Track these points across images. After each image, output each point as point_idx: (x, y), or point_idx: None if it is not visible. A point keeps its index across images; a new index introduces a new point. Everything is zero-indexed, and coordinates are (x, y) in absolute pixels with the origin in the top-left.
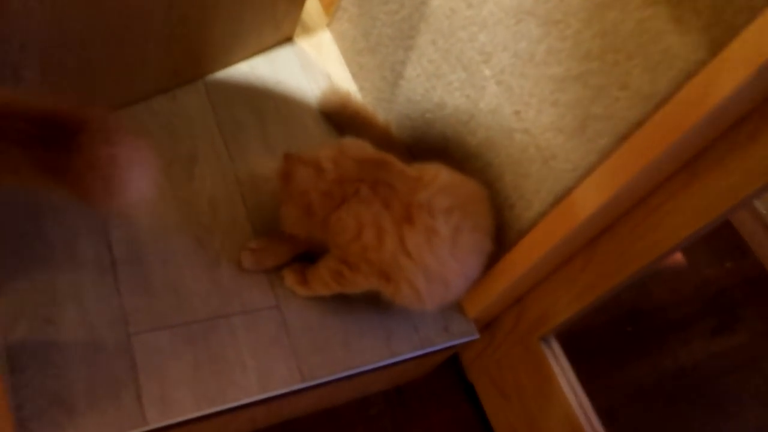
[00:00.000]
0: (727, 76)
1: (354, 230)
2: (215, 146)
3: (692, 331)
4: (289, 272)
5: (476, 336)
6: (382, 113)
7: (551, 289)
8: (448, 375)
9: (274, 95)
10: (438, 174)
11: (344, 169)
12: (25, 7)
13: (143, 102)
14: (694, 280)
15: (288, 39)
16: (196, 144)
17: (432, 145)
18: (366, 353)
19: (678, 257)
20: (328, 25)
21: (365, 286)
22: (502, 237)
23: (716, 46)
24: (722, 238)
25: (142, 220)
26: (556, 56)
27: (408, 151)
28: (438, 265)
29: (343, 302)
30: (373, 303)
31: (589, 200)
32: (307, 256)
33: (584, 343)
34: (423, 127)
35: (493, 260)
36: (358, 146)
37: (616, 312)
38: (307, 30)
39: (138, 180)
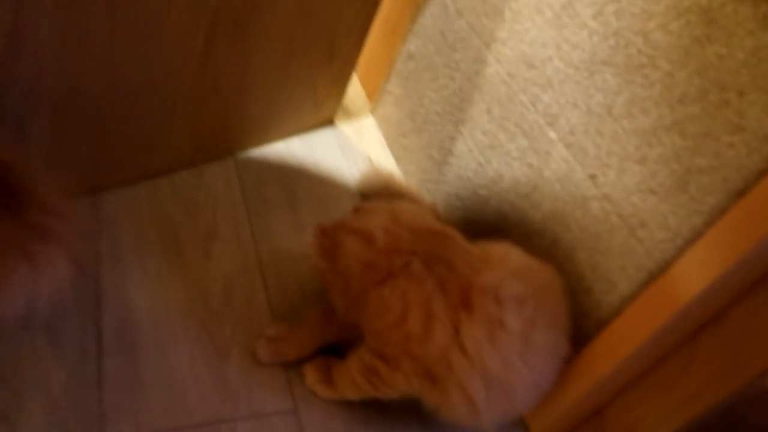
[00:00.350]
0: None
1: (397, 313)
2: (238, 224)
3: None
4: (311, 368)
5: None
6: (428, 195)
7: (641, 397)
8: None
9: (309, 176)
10: (508, 254)
11: (396, 238)
12: (36, 55)
13: (165, 176)
14: None
15: (329, 122)
16: (216, 221)
17: (487, 224)
18: None
19: None
20: (372, 110)
21: (404, 388)
22: (576, 329)
23: None
24: None
25: (140, 303)
26: (640, 106)
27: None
28: (502, 368)
29: (376, 410)
30: (413, 413)
31: (695, 277)
32: (336, 351)
33: None
34: (476, 205)
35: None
36: (414, 213)
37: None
38: (349, 114)
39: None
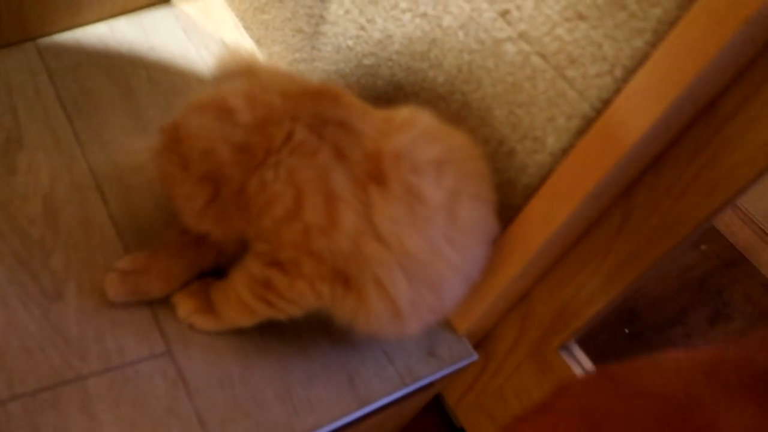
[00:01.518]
0: None
1: (288, 201)
2: (53, 126)
3: (690, 324)
4: (183, 296)
5: (475, 357)
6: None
7: (570, 273)
8: (427, 423)
9: (146, 63)
10: (414, 117)
11: (266, 106)
12: None
13: None
14: (676, 269)
15: (164, 0)
16: (20, 124)
17: (379, 99)
18: (318, 409)
19: None
20: None
21: (309, 301)
22: (501, 202)
23: None
24: None
25: None
26: None
27: None
28: (426, 253)
29: (273, 336)
30: (319, 332)
31: (639, 113)
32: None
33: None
34: (364, 79)
35: None
36: (285, 77)
37: (607, 314)
38: None
39: None
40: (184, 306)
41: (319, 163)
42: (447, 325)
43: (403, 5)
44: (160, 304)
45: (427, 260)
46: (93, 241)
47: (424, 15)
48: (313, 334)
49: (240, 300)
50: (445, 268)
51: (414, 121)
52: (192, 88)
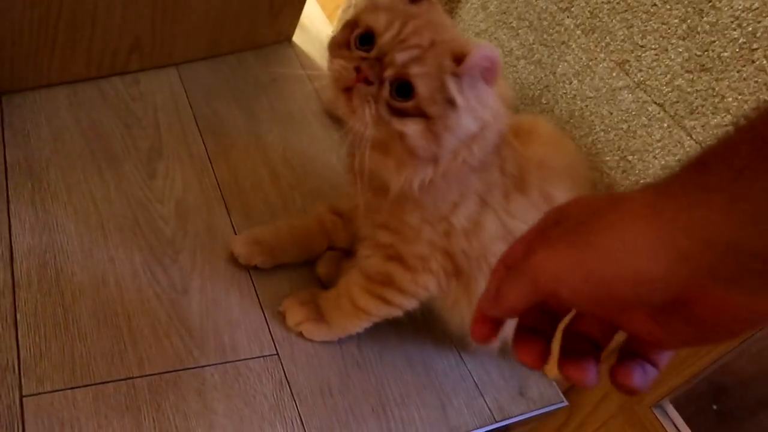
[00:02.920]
0: None
1: (447, 204)
2: (189, 141)
3: None
4: (292, 307)
5: (564, 403)
6: None
7: None
8: None
9: (268, 93)
10: (537, 124)
11: None
12: None
13: (90, 82)
14: None
15: (286, 39)
16: (161, 136)
17: None
18: (410, 429)
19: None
20: (333, 31)
21: (430, 293)
22: None
23: None
24: None
25: (66, 226)
26: None
27: None
28: None
29: (371, 351)
30: (414, 353)
31: None
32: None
33: None
34: None
35: None
36: None
37: (697, 389)
38: (309, 34)
39: None
40: (294, 315)
41: (490, 177)
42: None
43: (518, 52)
44: (272, 309)
45: None
46: (216, 245)
47: (538, 62)
48: (408, 354)
49: (354, 305)
50: None
51: (539, 129)
52: (306, 118)
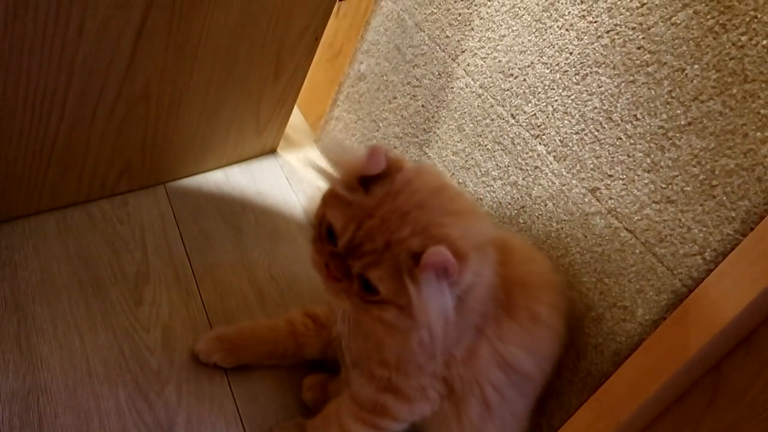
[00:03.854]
0: None
1: (457, 337)
2: (175, 263)
3: None
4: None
5: None
6: None
7: None
8: None
9: (254, 207)
10: (507, 239)
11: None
12: None
13: (78, 206)
14: None
15: (271, 151)
16: (148, 259)
17: None
18: None
19: None
20: (317, 140)
21: (423, 416)
22: (588, 366)
23: None
24: None
25: (52, 363)
26: (646, 107)
27: None
28: (533, 369)
29: None
30: None
31: (732, 294)
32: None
33: None
34: None
35: (567, 400)
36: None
37: None
38: (293, 144)
39: None
40: None
41: (486, 309)
42: None
43: (494, 173)
44: None
45: (527, 367)
46: (202, 374)
47: (514, 184)
48: None
49: (344, 430)
50: (533, 371)
51: (511, 245)
52: (291, 231)
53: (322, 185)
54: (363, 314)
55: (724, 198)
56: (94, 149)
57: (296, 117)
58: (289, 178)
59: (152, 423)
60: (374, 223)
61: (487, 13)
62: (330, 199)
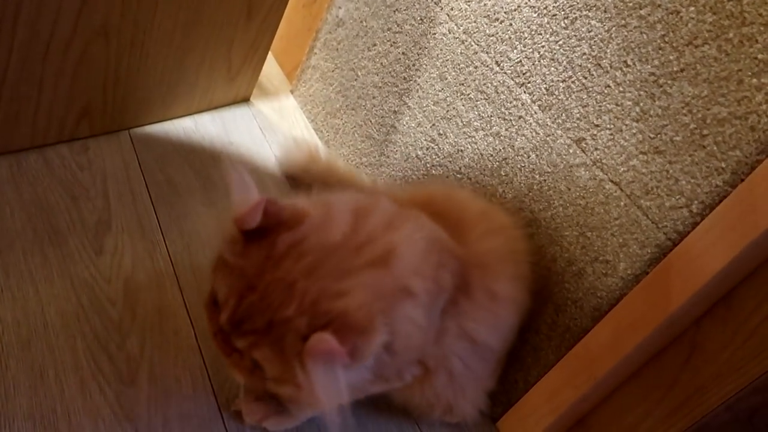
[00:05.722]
0: None
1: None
2: (139, 212)
3: None
4: (248, 402)
5: None
6: (367, 180)
7: (632, 402)
8: None
9: (225, 157)
10: (463, 204)
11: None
12: None
13: (34, 150)
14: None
15: (244, 100)
16: (110, 208)
17: None
18: None
19: None
20: (293, 90)
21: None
22: (567, 320)
23: None
24: None
25: (3, 316)
26: (637, 53)
27: None
28: (495, 340)
29: None
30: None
31: (717, 248)
32: None
33: None
34: None
35: (545, 356)
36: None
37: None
38: (267, 94)
39: None
40: (254, 413)
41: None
42: None
43: (476, 124)
44: (226, 396)
45: (487, 338)
46: (167, 327)
47: (497, 134)
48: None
49: None
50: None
51: (467, 210)
52: (264, 182)
53: (298, 136)
54: (260, 386)
55: (715, 148)
56: (49, 89)
57: (271, 66)
58: (262, 128)
59: (112, 376)
60: (254, 299)
61: None
62: (218, 265)
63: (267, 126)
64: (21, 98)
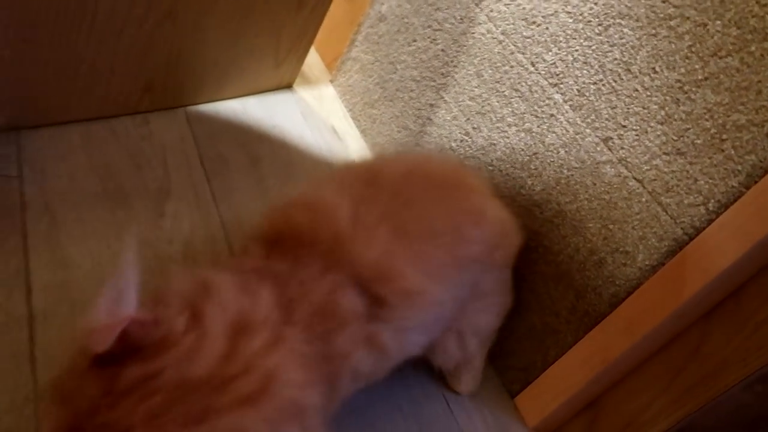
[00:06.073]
0: None
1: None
2: (195, 182)
3: None
4: None
5: None
6: None
7: (641, 386)
8: None
9: (270, 139)
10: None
11: None
12: None
13: (101, 120)
14: (731, 405)
15: (287, 86)
16: (169, 177)
17: None
18: None
19: None
20: (332, 80)
21: None
22: (585, 307)
23: None
24: None
25: (78, 262)
26: (665, 61)
27: None
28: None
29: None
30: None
31: (730, 244)
32: None
33: None
34: None
35: (563, 338)
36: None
37: (730, 419)
38: (309, 82)
39: None
40: None
41: None
42: (517, 415)
43: (510, 119)
44: None
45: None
46: None
47: (528, 131)
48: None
49: None
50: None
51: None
52: (305, 165)
53: (338, 126)
54: None
55: (733, 152)
56: (120, 65)
57: (312, 56)
58: (303, 114)
59: None
60: None
61: None
62: (59, 379)
63: (308, 113)
64: (96, 72)
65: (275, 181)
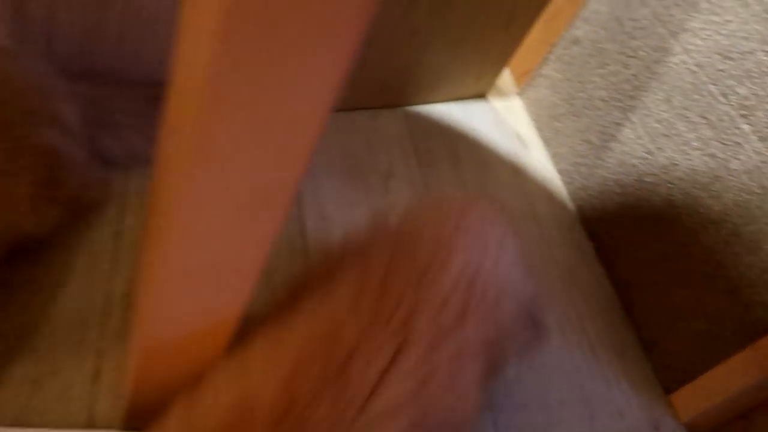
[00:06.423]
0: None
1: None
2: (409, 169)
3: None
4: None
5: None
6: (580, 179)
7: None
8: None
9: (468, 140)
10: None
11: None
12: None
13: (344, 112)
14: None
15: (481, 95)
16: (392, 162)
17: (652, 211)
18: (563, 425)
19: None
20: (520, 93)
21: None
22: (753, 320)
23: None
24: None
25: (335, 216)
26: None
27: (615, 221)
28: None
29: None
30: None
31: None
32: None
33: None
34: (639, 192)
35: (725, 346)
36: None
37: None
38: (499, 92)
39: None
40: None
41: None
42: (671, 406)
43: (695, 144)
44: None
45: None
46: None
47: (712, 155)
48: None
49: None
50: None
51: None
52: (497, 166)
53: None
54: None
55: None
56: (369, 69)
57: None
58: (495, 121)
59: None
60: None
61: None
62: None
63: (499, 120)
64: (356, 74)
65: (472, 177)
